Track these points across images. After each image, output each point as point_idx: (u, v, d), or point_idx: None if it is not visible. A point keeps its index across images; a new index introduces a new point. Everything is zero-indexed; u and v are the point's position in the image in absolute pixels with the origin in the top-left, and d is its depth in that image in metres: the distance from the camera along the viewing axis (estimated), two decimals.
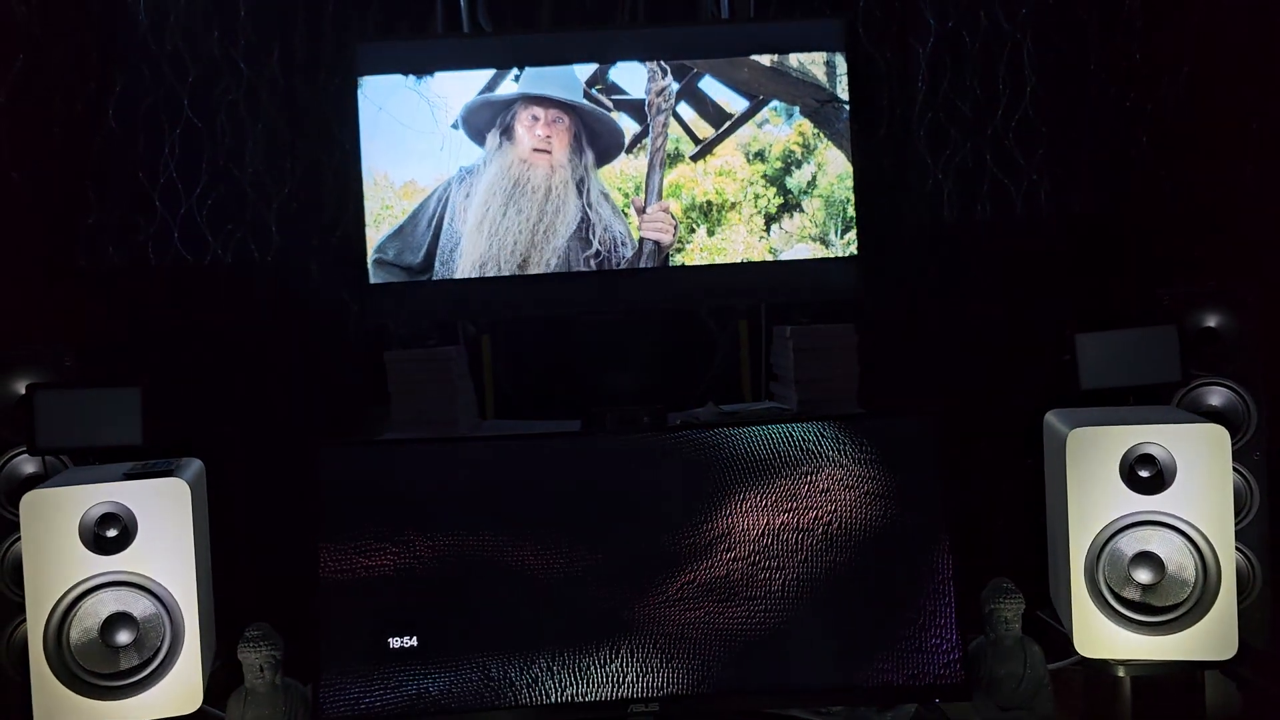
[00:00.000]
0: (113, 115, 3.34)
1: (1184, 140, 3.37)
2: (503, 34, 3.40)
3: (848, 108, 3.23)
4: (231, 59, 3.39)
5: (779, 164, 3.23)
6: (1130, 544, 2.44)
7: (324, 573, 2.45)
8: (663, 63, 3.20)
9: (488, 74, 3.22)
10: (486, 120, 3.22)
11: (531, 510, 2.50)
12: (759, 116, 3.24)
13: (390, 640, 2.45)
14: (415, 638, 2.45)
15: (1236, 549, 2.70)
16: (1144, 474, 2.44)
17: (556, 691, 2.45)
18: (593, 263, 3.21)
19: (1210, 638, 2.42)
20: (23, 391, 2.61)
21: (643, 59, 3.23)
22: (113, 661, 2.28)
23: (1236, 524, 2.67)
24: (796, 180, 3.22)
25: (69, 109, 3.31)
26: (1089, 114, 3.44)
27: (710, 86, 3.24)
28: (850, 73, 3.26)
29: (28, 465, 2.67)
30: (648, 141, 3.21)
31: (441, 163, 3.22)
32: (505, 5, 3.45)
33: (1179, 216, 3.36)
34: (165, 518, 2.32)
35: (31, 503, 2.27)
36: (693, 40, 3.28)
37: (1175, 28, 3.36)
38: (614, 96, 3.22)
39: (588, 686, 2.45)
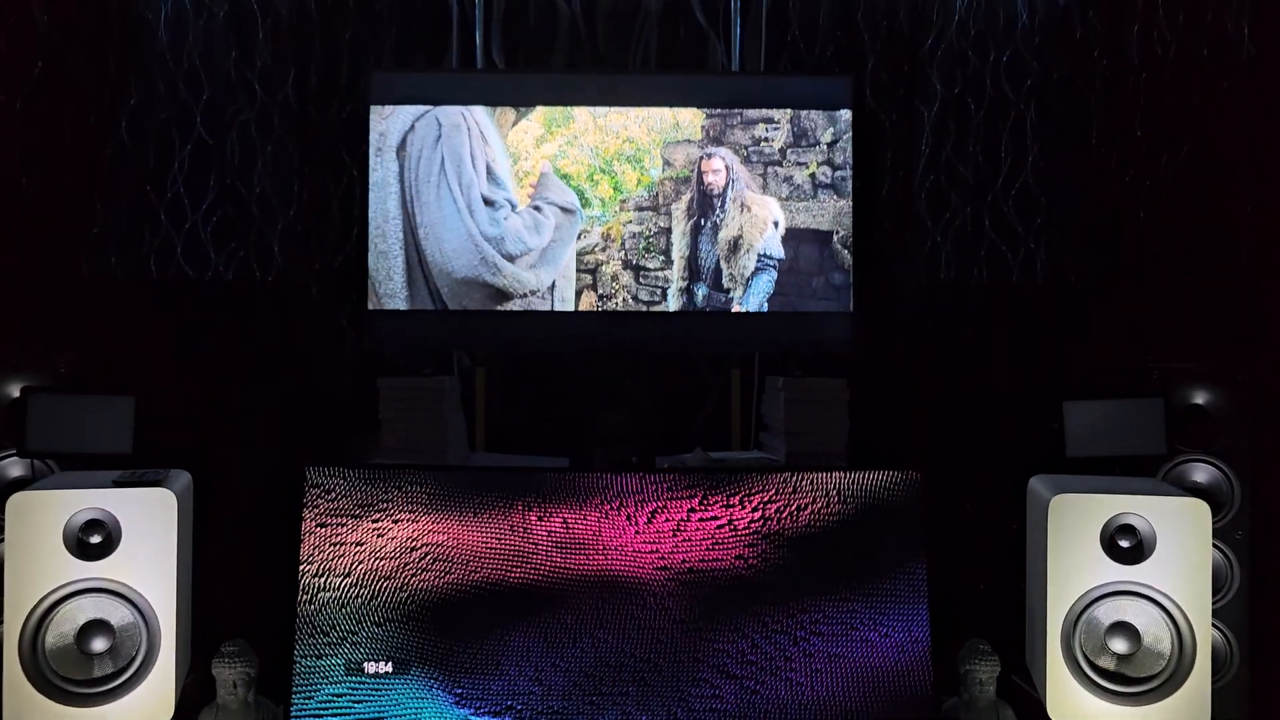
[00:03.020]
0: (125, 127, 3.36)
1: (1180, 218, 3.42)
2: (515, 72, 3.45)
3: (850, 166, 3.29)
4: (247, 80, 3.42)
5: None
6: (1107, 613, 2.45)
7: (303, 593, 2.45)
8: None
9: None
10: None
11: (513, 541, 2.50)
12: None
13: (365, 664, 2.44)
14: (390, 663, 2.44)
15: (1215, 627, 2.71)
16: (1124, 544, 2.46)
17: (530, 717, 2.44)
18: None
19: (1183, 711, 2.42)
20: (15, 395, 2.62)
21: (651, 104, 3.28)
22: (86, 668, 2.27)
23: (1216, 602, 2.68)
24: None
25: (82, 118, 3.34)
26: (1088, 186, 3.49)
27: None
28: (855, 131, 3.31)
29: (14, 468, 2.67)
30: None
31: None
32: (520, 44, 3.50)
33: (1172, 292, 3.40)
34: (150, 527, 2.32)
35: (18, 504, 2.28)
36: (702, 89, 3.33)
37: (1177, 107, 3.42)
38: None
39: (561, 714, 2.44)
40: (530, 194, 3.28)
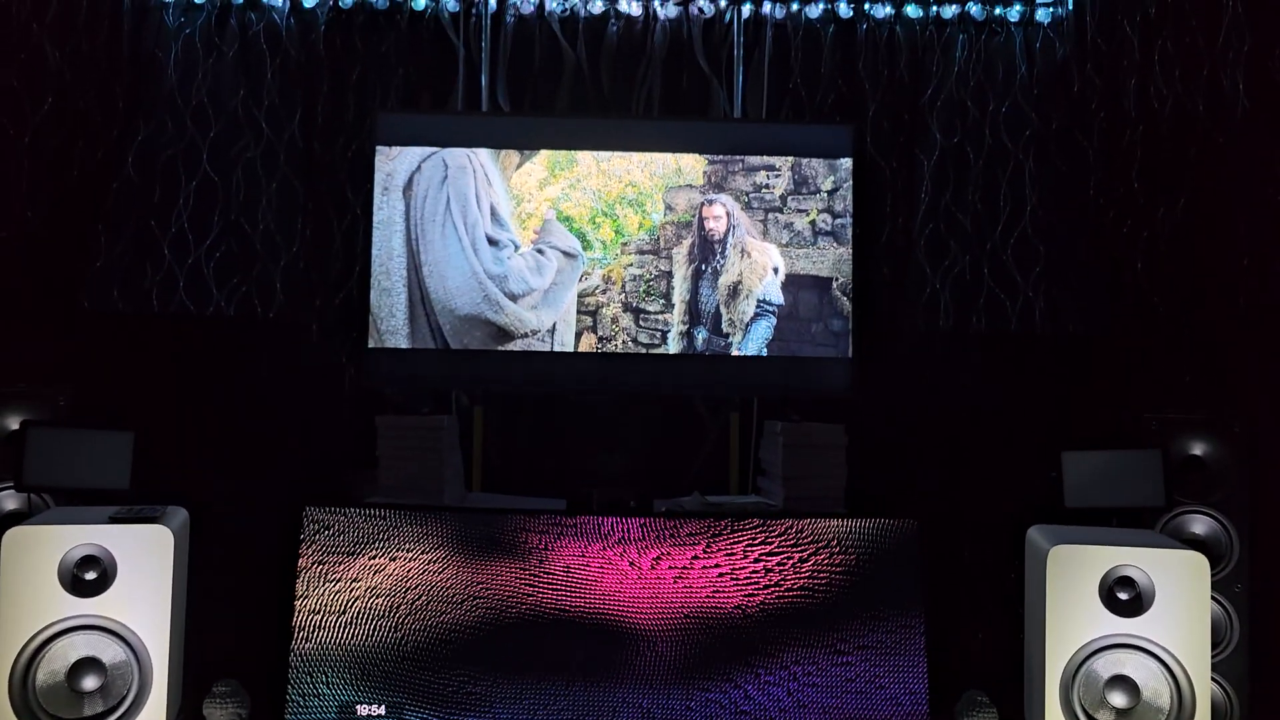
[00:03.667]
0: (132, 162, 3.39)
1: (1178, 269, 3.44)
2: (520, 115, 3.48)
3: (850, 214, 3.32)
4: (254, 118, 3.45)
5: None
6: (1106, 666, 2.44)
7: (297, 634, 2.44)
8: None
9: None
10: None
11: (508, 583, 2.49)
12: None
13: (358, 707, 2.42)
14: (383, 706, 2.42)
15: (1214, 681, 2.70)
16: (1123, 596, 2.45)
17: None
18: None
19: None
20: (13, 428, 2.62)
21: (654, 150, 3.31)
22: (76, 707, 2.25)
23: (1215, 656, 2.67)
24: None
25: (90, 153, 3.36)
26: (1086, 236, 3.51)
27: None
28: (855, 178, 3.34)
29: (10, 501, 2.66)
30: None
31: None
32: (525, 87, 3.53)
33: (1170, 343, 3.41)
34: (146, 565, 2.31)
35: (14, 539, 2.26)
36: (704, 135, 3.37)
37: (1173, 160, 3.45)
38: None
39: None
40: (534, 238, 3.30)
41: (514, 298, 3.28)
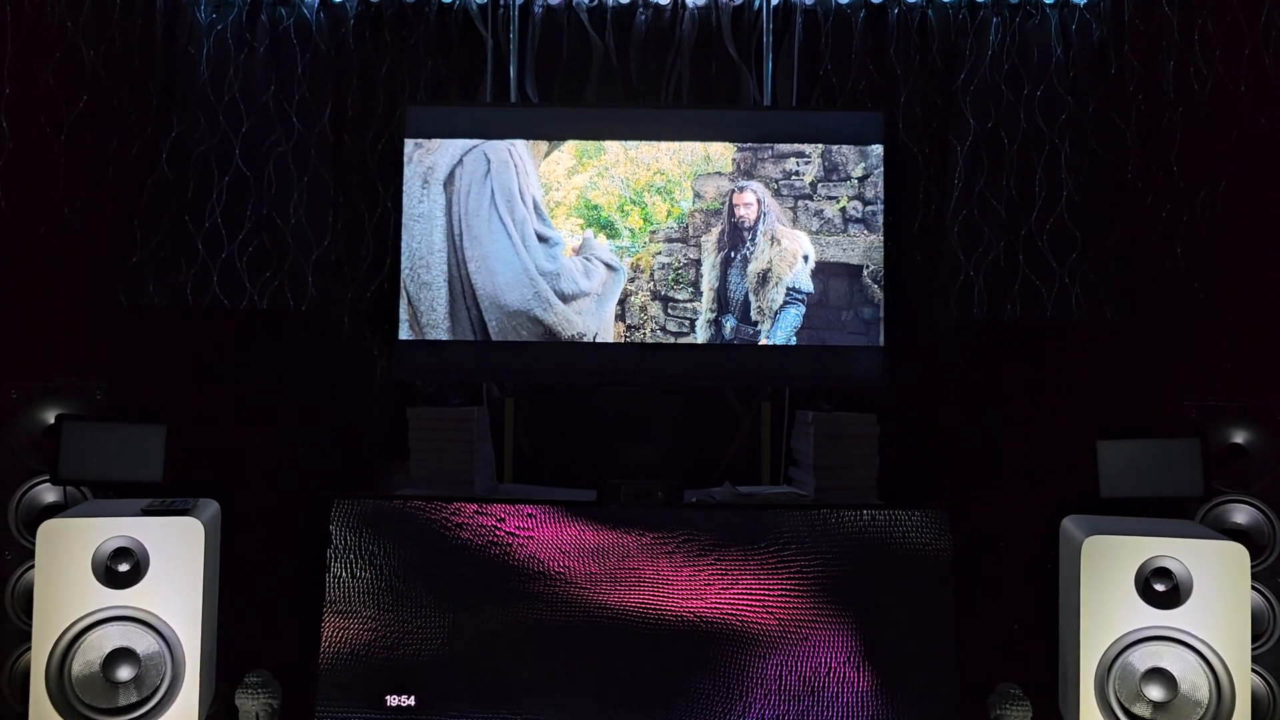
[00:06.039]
0: (166, 159, 3.42)
1: (1218, 254, 3.37)
2: (547, 106, 3.48)
3: (881, 200, 3.28)
4: (285, 112, 3.47)
5: None
6: (1143, 659, 2.40)
7: (327, 624, 2.45)
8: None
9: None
10: None
11: (537, 575, 2.50)
12: None
13: (388, 698, 2.43)
14: (413, 697, 2.44)
15: (1255, 673, 2.65)
16: (1160, 588, 2.41)
17: None
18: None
19: None
20: (51, 421, 2.66)
21: (683, 139, 3.30)
22: (111, 697, 2.28)
23: (1256, 647, 2.62)
24: None
25: (125, 149, 3.40)
26: (1124, 221, 3.45)
27: None
28: (887, 165, 3.31)
29: (48, 494, 2.70)
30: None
31: None
32: (553, 78, 3.53)
33: (1210, 329, 3.35)
34: (178, 556, 2.34)
35: (49, 531, 2.30)
36: (734, 123, 3.34)
37: (1214, 143, 3.38)
38: None
39: None
40: (571, 255, 3.30)
41: (564, 298, 3.28)
